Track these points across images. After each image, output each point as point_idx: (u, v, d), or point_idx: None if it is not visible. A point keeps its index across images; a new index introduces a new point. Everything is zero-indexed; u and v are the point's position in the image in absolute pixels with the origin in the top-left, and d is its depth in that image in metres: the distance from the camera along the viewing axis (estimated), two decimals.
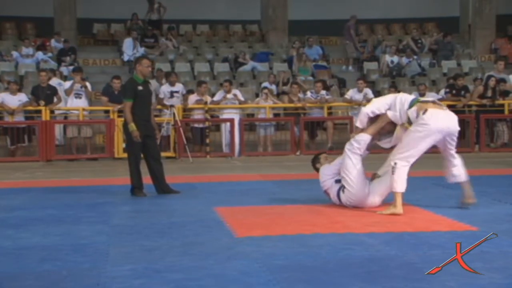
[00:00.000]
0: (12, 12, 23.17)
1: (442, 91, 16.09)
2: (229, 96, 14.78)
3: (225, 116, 14.84)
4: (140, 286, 4.15)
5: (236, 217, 6.55)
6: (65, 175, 11.31)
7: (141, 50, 18.98)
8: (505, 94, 15.39)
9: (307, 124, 15.00)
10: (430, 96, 14.93)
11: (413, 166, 6.71)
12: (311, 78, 18.30)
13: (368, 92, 15.36)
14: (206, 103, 14.45)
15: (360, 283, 4.12)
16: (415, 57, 19.79)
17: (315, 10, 24.80)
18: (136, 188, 8.30)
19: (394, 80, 18.78)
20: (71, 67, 17.07)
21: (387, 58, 19.76)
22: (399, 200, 6.53)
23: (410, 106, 6.59)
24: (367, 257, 4.78)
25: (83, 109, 14.41)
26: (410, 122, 6.59)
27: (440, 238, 5.44)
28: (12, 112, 14.04)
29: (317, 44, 20.99)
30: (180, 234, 5.78)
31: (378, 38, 22.31)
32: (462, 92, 15.51)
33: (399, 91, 16.33)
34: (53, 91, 14.38)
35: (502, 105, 15.17)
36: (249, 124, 15.40)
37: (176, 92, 15.06)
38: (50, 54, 19.04)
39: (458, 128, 6.66)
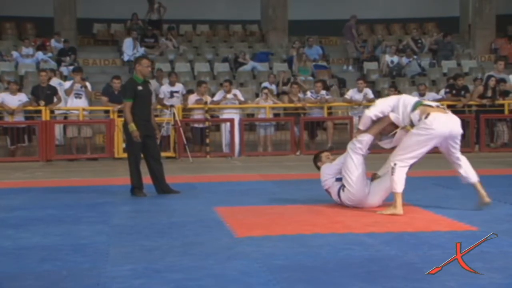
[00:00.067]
0: (12, 12, 23.17)
1: (442, 91, 16.09)
2: (229, 96, 14.78)
3: (225, 116, 14.84)
4: (140, 286, 4.15)
5: (236, 217, 6.55)
6: (65, 175, 11.31)
7: (141, 50, 18.99)
8: (505, 94, 15.39)
9: (307, 124, 15.00)
10: (431, 96, 14.97)
11: (412, 167, 6.71)
12: (311, 78, 18.30)
13: (368, 92, 15.36)
14: (206, 103, 14.45)
15: (360, 283, 4.12)
16: (415, 57, 19.79)
17: (315, 10, 24.81)
18: (136, 188, 8.30)
19: (394, 80, 18.78)
20: (71, 67, 17.08)
21: (387, 58, 19.76)
22: (399, 201, 6.53)
23: (413, 109, 6.58)
24: (367, 257, 4.78)
25: (83, 109, 14.41)
26: (412, 125, 6.58)
27: (440, 238, 5.44)
28: (12, 112, 14.05)
29: (317, 44, 21.00)
30: (180, 234, 5.77)
31: (378, 38, 22.31)
32: (462, 92, 15.51)
33: (399, 91, 16.39)
34: (53, 91, 14.38)
35: (502, 105, 15.17)
36: (249, 124, 15.40)
37: (176, 92, 15.07)
38: (50, 54, 19.04)
39: (460, 131, 6.64)
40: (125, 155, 9.46)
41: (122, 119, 9.37)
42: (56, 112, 14.54)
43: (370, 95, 15.33)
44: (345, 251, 4.99)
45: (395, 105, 6.73)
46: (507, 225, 5.96)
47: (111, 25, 23.06)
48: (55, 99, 14.25)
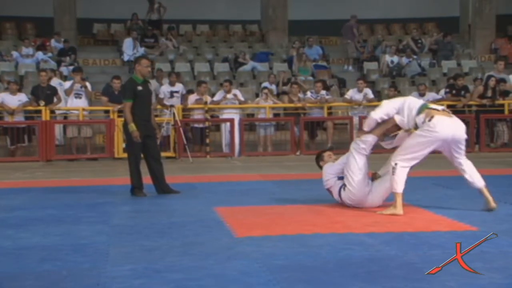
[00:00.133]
0: (12, 12, 23.18)
1: (442, 91, 16.09)
2: (229, 96, 14.78)
3: (225, 116, 14.84)
4: (140, 286, 4.15)
5: (236, 217, 6.55)
6: (65, 175, 11.31)
7: (141, 50, 18.99)
8: (505, 94, 15.39)
9: (307, 124, 15.00)
10: (431, 96, 14.97)
11: (413, 168, 6.71)
12: (311, 78, 18.30)
13: (368, 92, 15.37)
14: (206, 103, 14.45)
15: (360, 283, 4.12)
16: (414, 57, 19.79)
17: (315, 10, 24.82)
18: (136, 188, 8.30)
19: (394, 80, 18.79)
20: (71, 67, 17.08)
21: (387, 58, 19.76)
22: (399, 201, 6.53)
23: (418, 112, 6.57)
24: (367, 257, 4.78)
25: (83, 109, 14.41)
26: (417, 128, 6.57)
27: (440, 238, 5.44)
28: (12, 112, 14.05)
29: (317, 44, 21.00)
30: (180, 234, 5.77)
31: (378, 38, 22.32)
32: (462, 92, 15.51)
33: (399, 91, 16.41)
34: (53, 91, 14.38)
35: (502, 105, 15.17)
36: (249, 124, 15.40)
37: (176, 92, 15.07)
38: (50, 54, 19.04)
39: (464, 136, 6.61)
40: (125, 155, 9.47)
41: (122, 119, 9.36)
42: (56, 112, 14.54)
43: (370, 95, 15.34)
44: (345, 251, 4.99)
45: (400, 107, 6.71)
46: (507, 225, 5.96)
47: (111, 25, 23.07)
48: (55, 99, 14.25)
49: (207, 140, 14.28)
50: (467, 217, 6.29)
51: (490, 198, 6.67)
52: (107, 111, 14.45)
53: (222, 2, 25.59)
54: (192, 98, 14.71)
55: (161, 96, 14.75)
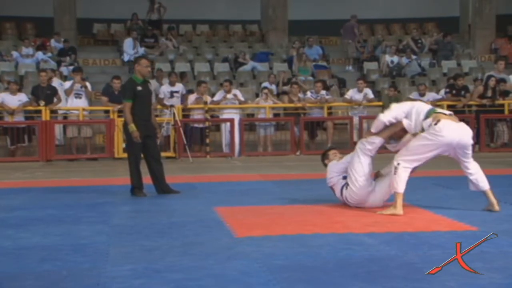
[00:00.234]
0: (12, 12, 23.18)
1: (442, 91, 16.09)
2: (229, 96, 14.78)
3: (225, 116, 14.84)
4: (140, 286, 4.15)
5: (236, 217, 6.55)
6: (65, 175, 11.31)
7: (141, 50, 18.99)
8: (505, 94, 15.39)
9: (307, 124, 15.00)
10: (431, 96, 14.98)
11: (415, 170, 6.71)
12: (311, 78, 18.30)
13: (368, 92, 15.37)
14: (206, 103, 14.44)
15: (360, 283, 4.12)
16: (414, 57, 19.79)
17: (315, 10, 24.82)
18: (136, 188, 8.30)
19: (394, 80, 18.78)
20: (71, 67, 17.08)
21: (387, 58, 19.76)
22: (399, 201, 6.53)
23: (426, 117, 6.56)
24: (367, 257, 4.78)
25: (83, 109, 14.42)
26: (423, 132, 6.57)
27: (440, 238, 5.44)
28: (12, 112, 14.04)
29: (317, 44, 21.00)
30: (180, 234, 5.77)
31: (378, 38, 22.32)
32: (462, 92, 15.51)
33: (399, 91, 16.41)
34: (53, 91, 14.38)
35: (502, 105, 15.17)
36: (249, 124, 15.40)
37: (176, 92, 15.07)
38: (50, 54, 19.04)
39: (470, 142, 6.62)
40: (125, 155, 9.47)
41: (123, 119, 9.36)
42: (58, 111, 14.54)
43: (370, 95, 15.34)
44: (345, 251, 4.99)
45: (409, 111, 6.70)
46: (507, 225, 5.96)
47: (111, 25, 23.07)
48: (55, 99, 14.25)
49: (207, 140, 14.28)
50: (467, 217, 6.30)
51: (494, 201, 6.66)
52: (107, 111, 14.45)
53: (222, 2, 25.59)
54: (192, 97, 14.72)
55: (161, 96, 14.75)
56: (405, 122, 6.69)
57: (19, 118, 14.21)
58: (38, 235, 5.83)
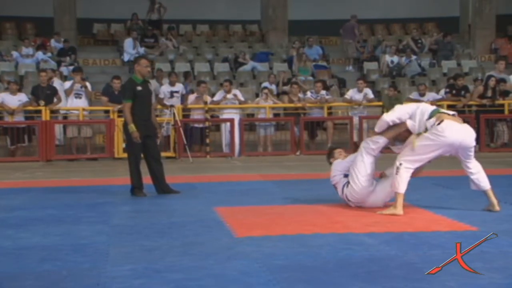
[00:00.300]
0: (12, 12, 23.18)
1: (442, 91, 16.09)
2: (229, 96, 14.78)
3: (225, 116, 14.84)
4: (140, 286, 4.15)
5: (236, 217, 6.55)
6: (65, 175, 11.31)
7: (141, 50, 18.99)
8: (505, 94, 15.39)
9: (307, 124, 15.00)
10: (431, 97, 14.98)
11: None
12: (311, 78, 18.30)
13: (368, 92, 15.37)
14: (206, 103, 14.45)
15: (360, 283, 4.12)
16: (414, 57, 19.79)
17: (315, 10, 24.82)
18: (136, 188, 8.30)
19: (394, 80, 18.78)
20: (71, 67, 17.08)
21: (387, 58, 19.76)
22: (400, 201, 6.52)
23: (430, 116, 6.56)
24: (367, 257, 4.78)
25: (83, 109, 14.42)
26: (426, 132, 6.57)
27: (440, 238, 5.44)
28: (12, 112, 14.05)
29: (317, 44, 21.00)
30: (180, 234, 5.77)
31: (378, 38, 22.32)
32: (462, 92, 15.51)
33: (399, 91, 16.41)
34: (53, 91, 14.38)
35: (502, 105, 15.18)
36: (249, 124, 15.40)
37: (176, 92, 15.08)
38: (50, 54, 19.04)
39: (473, 143, 6.60)
40: (125, 155, 9.46)
41: (123, 119, 9.36)
42: (60, 112, 14.55)
43: (370, 95, 15.34)
44: (345, 251, 4.99)
45: (413, 112, 6.70)
46: (507, 225, 5.96)
47: (111, 25, 23.07)
48: (55, 99, 14.25)
49: (207, 140, 14.28)
50: (467, 217, 6.29)
51: (495, 201, 6.65)
52: (107, 111, 14.45)
53: (222, 2, 25.59)
54: (192, 97, 14.74)
55: (161, 96, 14.75)
56: (409, 123, 6.68)
57: (19, 118, 14.22)
58: (38, 235, 5.83)
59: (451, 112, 6.81)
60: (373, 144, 6.83)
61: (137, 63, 8.48)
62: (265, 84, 16.47)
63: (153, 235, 5.73)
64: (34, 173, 11.65)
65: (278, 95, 16.32)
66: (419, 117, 6.62)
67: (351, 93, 15.38)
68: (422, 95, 14.84)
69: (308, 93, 15.37)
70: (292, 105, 15.14)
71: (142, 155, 8.40)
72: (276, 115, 15.65)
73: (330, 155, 7.40)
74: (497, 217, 6.36)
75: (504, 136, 15.18)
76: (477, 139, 14.48)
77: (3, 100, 14.07)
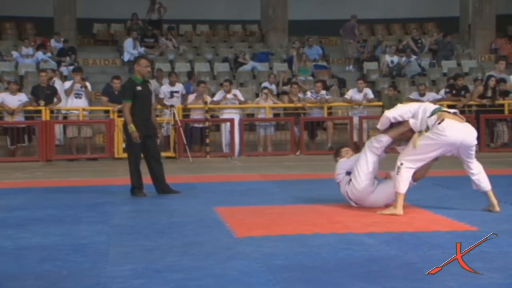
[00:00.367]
0: (12, 12, 23.18)
1: (442, 91, 16.09)
2: (229, 96, 14.78)
3: (225, 116, 14.84)
4: (140, 286, 4.15)
5: (236, 217, 6.55)
6: (65, 175, 11.31)
7: (141, 50, 18.99)
8: (505, 94, 15.39)
9: (307, 124, 15.00)
10: (431, 96, 14.96)
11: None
12: (311, 78, 18.30)
13: (368, 92, 15.37)
14: (206, 103, 14.45)
15: (360, 283, 4.12)
16: (414, 57, 19.79)
17: (315, 10, 24.82)
18: (136, 188, 8.30)
19: (394, 80, 18.78)
20: (71, 67, 17.08)
21: (387, 58, 19.76)
22: (400, 201, 6.52)
23: (431, 114, 6.56)
24: (367, 257, 4.78)
25: (83, 109, 14.42)
26: (428, 130, 6.56)
27: (440, 238, 5.44)
28: (12, 112, 14.05)
29: (317, 44, 21.00)
30: (180, 234, 5.77)
31: (378, 38, 22.31)
32: (462, 92, 15.51)
33: (399, 91, 16.41)
34: (53, 91, 14.39)
35: (502, 105, 15.18)
36: (249, 124, 15.41)
37: (176, 92, 15.08)
38: (50, 54, 19.04)
39: (474, 142, 6.59)
40: (125, 155, 9.46)
41: (123, 119, 9.36)
42: (60, 111, 14.54)
43: (370, 95, 15.34)
44: (345, 251, 4.99)
45: (415, 111, 6.70)
46: (507, 225, 5.96)
47: (111, 25, 23.08)
48: (55, 99, 14.25)
49: (207, 140, 14.28)
50: (467, 217, 6.29)
51: (495, 202, 6.65)
52: (107, 111, 14.46)
53: (222, 2, 25.59)
54: (192, 97, 14.74)
55: (161, 96, 14.75)
56: (412, 122, 6.69)
57: (19, 118, 14.22)
58: (38, 235, 5.83)
59: (452, 110, 6.81)
60: (377, 143, 6.83)
61: (137, 63, 8.48)
62: (265, 84, 16.47)
63: (153, 235, 5.73)
64: (34, 173, 11.65)
65: (278, 95, 16.32)
66: (421, 115, 6.62)
67: (351, 93, 15.38)
68: (422, 95, 14.83)
69: (308, 93, 15.37)
70: (292, 105, 15.14)
71: (142, 155, 8.40)
72: (276, 115, 15.66)
73: (337, 154, 7.42)
74: (497, 217, 6.36)
75: (504, 136, 15.18)
76: (477, 139, 14.65)
77: (3, 100, 14.07)
